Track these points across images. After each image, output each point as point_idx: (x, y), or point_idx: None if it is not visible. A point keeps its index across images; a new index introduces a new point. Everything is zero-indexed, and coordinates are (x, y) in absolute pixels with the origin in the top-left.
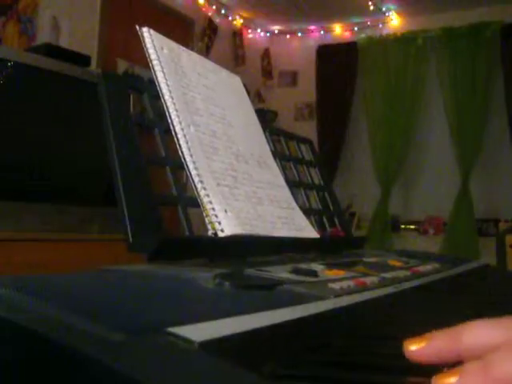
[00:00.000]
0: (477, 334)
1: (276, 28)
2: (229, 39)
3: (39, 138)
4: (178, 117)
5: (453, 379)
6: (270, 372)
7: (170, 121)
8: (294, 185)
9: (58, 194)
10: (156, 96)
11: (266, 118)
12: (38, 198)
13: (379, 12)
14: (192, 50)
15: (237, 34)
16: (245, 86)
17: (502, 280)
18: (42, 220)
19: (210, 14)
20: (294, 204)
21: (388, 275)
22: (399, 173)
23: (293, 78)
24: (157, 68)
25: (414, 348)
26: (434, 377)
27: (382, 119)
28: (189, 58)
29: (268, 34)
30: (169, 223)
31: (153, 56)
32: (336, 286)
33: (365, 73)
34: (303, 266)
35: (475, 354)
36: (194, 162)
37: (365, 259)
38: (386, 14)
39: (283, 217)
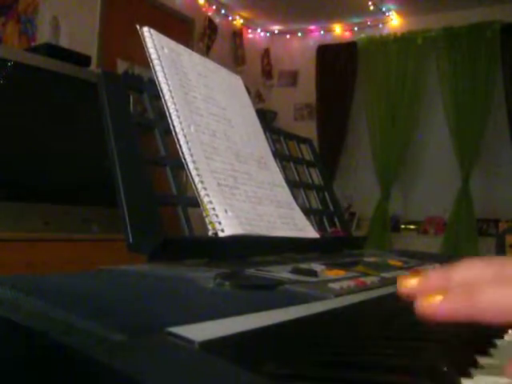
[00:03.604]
0: (468, 271)
1: (276, 28)
2: (229, 39)
3: (39, 138)
4: (179, 117)
5: (438, 298)
6: (270, 372)
7: (170, 121)
8: (294, 185)
9: (59, 193)
10: (156, 96)
11: (266, 118)
12: (38, 198)
13: (379, 12)
14: (192, 49)
15: (237, 34)
16: (245, 86)
17: None
18: (42, 220)
19: (209, 14)
20: (294, 204)
21: (388, 275)
22: (399, 173)
23: (293, 78)
24: (157, 68)
25: (407, 283)
26: (420, 297)
27: (382, 119)
28: (189, 58)
29: (268, 34)
30: (169, 223)
31: (153, 56)
32: (336, 285)
33: (365, 73)
34: (303, 265)
35: (462, 285)
36: (194, 162)
37: (365, 259)
38: (386, 14)
39: (283, 217)
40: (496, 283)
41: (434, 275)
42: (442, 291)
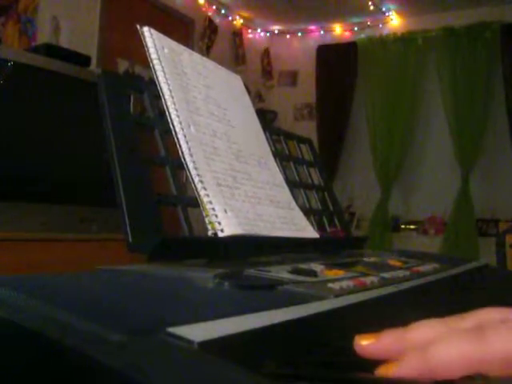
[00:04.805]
0: (421, 331)
1: (276, 28)
2: (229, 39)
3: (39, 138)
4: (178, 116)
5: (394, 368)
6: (270, 372)
7: (170, 120)
8: (294, 185)
9: (58, 193)
10: (156, 96)
11: (266, 118)
12: (38, 198)
13: (379, 12)
14: (192, 49)
15: (237, 34)
16: (245, 85)
17: (501, 280)
18: (42, 220)
19: (210, 13)
20: (293, 204)
21: (388, 275)
22: (399, 173)
23: (293, 78)
24: (157, 67)
25: (363, 343)
26: (378, 369)
27: (381, 119)
28: (189, 58)
29: (268, 34)
30: (169, 223)
31: (153, 55)
32: (336, 286)
33: (365, 73)
34: (303, 266)
35: (416, 349)
36: (194, 162)
37: (365, 259)
38: (386, 14)
39: (283, 217)
40: (448, 338)
41: (391, 336)
42: (397, 360)
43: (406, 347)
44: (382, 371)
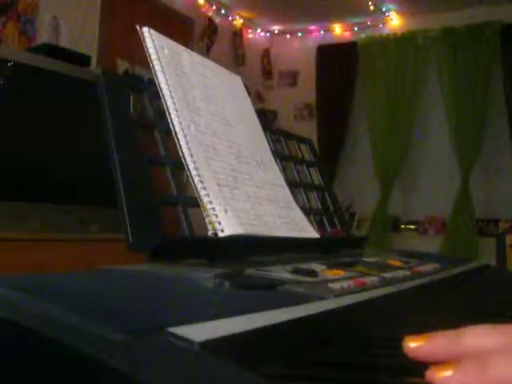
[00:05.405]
0: (476, 337)
1: (276, 28)
2: (229, 39)
3: (39, 138)
4: (178, 117)
5: (448, 372)
6: (270, 372)
7: (170, 120)
8: (294, 185)
9: (58, 194)
10: (156, 96)
11: (266, 118)
12: (38, 198)
13: (379, 12)
14: (192, 49)
15: (237, 34)
16: (245, 86)
17: (501, 280)
18: (42, 220)
19: (210, 14)
20: (293, 204)
21: (388, 275)
22: (399, 173)
23: (293, 78)
24: (157, 68)
25: (414, 345)
26: (430, 368)
27: (381, 119)
28: (189, 58)
29: (268, 34)
30: (169, 223)
31: (153, 56)
32: (336, 285)
33: (365, 73)
34: (303, 265)
35: (472, 357)
36: (194, 162)
37: (365, 259)
38: (386, 14)
39: (283, 217)
40: (508, 355)
41: (443, 339)
42: (452, 360)
43: (460, 352)
44: (434, 373)
